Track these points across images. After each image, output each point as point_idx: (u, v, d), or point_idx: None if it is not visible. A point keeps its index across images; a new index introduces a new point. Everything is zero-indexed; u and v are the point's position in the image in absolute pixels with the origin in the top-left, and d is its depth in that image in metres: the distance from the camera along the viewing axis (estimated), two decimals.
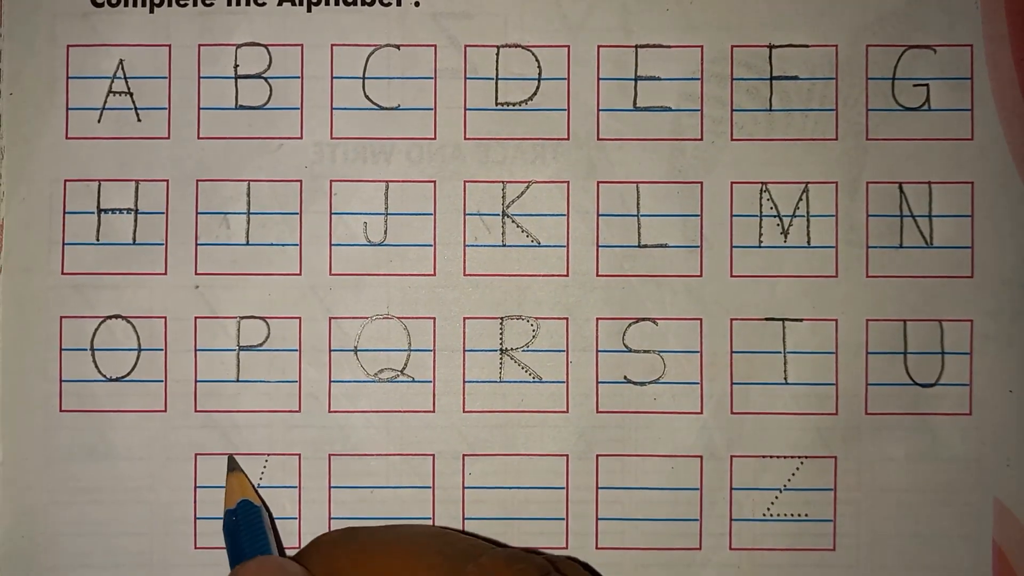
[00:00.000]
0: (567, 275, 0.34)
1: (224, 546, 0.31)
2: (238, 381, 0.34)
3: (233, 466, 0.34)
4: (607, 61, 0.35)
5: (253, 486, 0.33)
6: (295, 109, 0.34)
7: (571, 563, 0.29)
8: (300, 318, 0.34)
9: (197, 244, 0.34)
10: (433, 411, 0.34)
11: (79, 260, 0.34)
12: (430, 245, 0.34)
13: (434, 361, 0.34)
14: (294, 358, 0.34)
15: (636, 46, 0.35)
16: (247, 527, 0.31)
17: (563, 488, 0.34)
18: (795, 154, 0.34)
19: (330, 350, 0.34)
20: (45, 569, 0.34)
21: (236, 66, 0.35)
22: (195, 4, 0.35)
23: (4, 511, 0.34)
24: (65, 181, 0.34)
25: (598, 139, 0.35)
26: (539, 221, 0.34)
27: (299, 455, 0.34)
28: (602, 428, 0.34)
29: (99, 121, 0.34)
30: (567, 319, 0.34)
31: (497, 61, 0.35)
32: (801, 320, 0.34)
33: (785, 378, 0.34)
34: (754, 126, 0.35)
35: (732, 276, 0.34)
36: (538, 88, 0.35)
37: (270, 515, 0.33)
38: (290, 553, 0.31)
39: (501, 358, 0.34)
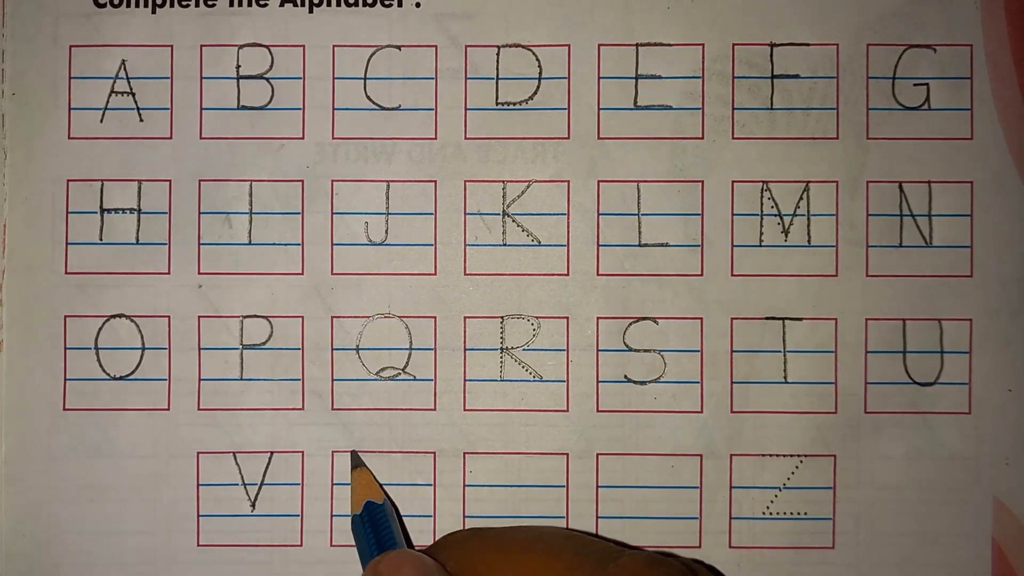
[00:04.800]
0: (567, 274, 0.34)
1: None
2: (241, 379, 0.34)
3: (357, 462, 0.34)
4: (608, 60, 0.35)
5: (376, 480, 0.33)
6: (297, 109, 0.35)
7: (702, 567, 0.29)
8: (302, 317, 0.34)
9: (200, 244, 0.34)
10: (434, 409, 0.34)
11: (82, 260, 0.34)
12: (431, 244, 0.34)
13: (435, 360, 0.34)
14: (297, 357, 0.34)
15: (637, 44, 0.35)
16: (374, 528, 0.31)
17: (563, 486, 0.34)
18: (796, 153, 0.34)
19: (332, 349, 0.34)
20: (48, 567, 0.34)
21: (238, 67, 0.35)
22: (197, 5, 0.35)
23: (8, 509, 0.34)
24: (68, 181, 0.34)
25: (599, 138, 0.35)
26: (540, 220, 0.35)
27: (302, 452, 0.34)
28: (602, 427, 0.34)
29: (101, 121, 0.35)
30: (567, 318, 0.34)
31: (498, 61, 0.35)
32: (801, 319, 0.34)
33: (785, 377, 0.34)
34: (755, 125, 0.35)
35: (733, 275, 0.34)
36: (538, 87, 0.35)
37: (396, 509, 0.34)
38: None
39: (502, 357, 0.34)
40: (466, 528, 0.31)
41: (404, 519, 0.34)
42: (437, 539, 0.31)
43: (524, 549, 0.28)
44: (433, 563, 0.28)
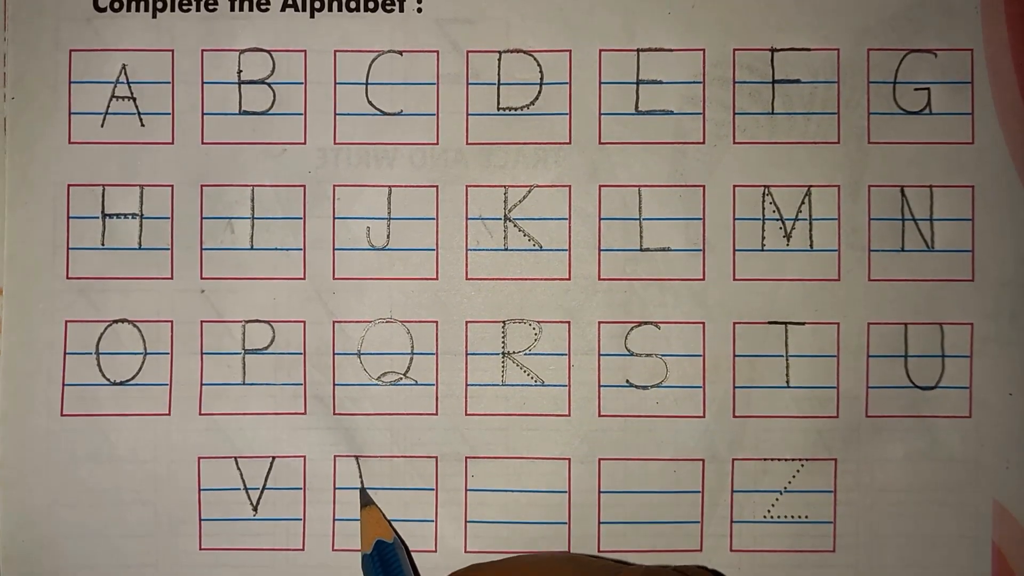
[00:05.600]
0: (569, 279, 0.35)
1: None
2: (243, 384, 0.34)
3: (366, 501, 0.34)
4: (609, 65, 0.35)
5: (385, 518, 0.34)
6: (298, 114, 0.35)
7: (704, 571, 0.30)
8: (304, 322, 0.34)
9: (202, 248, 0.34)
10: (436, 414, 0.34)
11: (84, 265, 0.34)
12: (432, 249, 0.34)
13: (437, 364, 0.35)
14: (298, 361, 0.34)
15: (638, 50, 0.35)
16: (383, 567, 0.32)
17: (565, 491, 0.34)
18: (797, 157, 0.35)
19: (334, 353, 0.34)
20: (48, 571, 0.34)
21: (240, 71, 0.35)
22: (198, 9, 0.35)
23: (7, 513, 0.34)
24: (68, 186, 0.34)
25: (600, 143, 0.35)
26: (541, 225, 0.35)
27: (304, 457, 0.34)
28: (604, 432, 0.34)
29: (102, 126, 0.35)
30: (569, 323, 0.34)
31: (499, 66, 0.35)
32: (803, 323, 0.34)
33: (787, 381, 0.34)
34: (756, 129, 0.35)
35: (735, 279, 0.34)
36: (540, 93, 0.35)
37: (406, 547, 0.34)
38: None
39: (503, 361, 0.34)
40: (468, 565, 0.31)
41: (406, 523, 0.34)
42: None
43: (524, 573, 0.28)
44: None
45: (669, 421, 0.34)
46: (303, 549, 0.34)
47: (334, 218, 0.34)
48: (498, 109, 0.35)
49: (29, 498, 0.34)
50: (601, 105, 0.35)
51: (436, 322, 0.34)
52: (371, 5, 0.35)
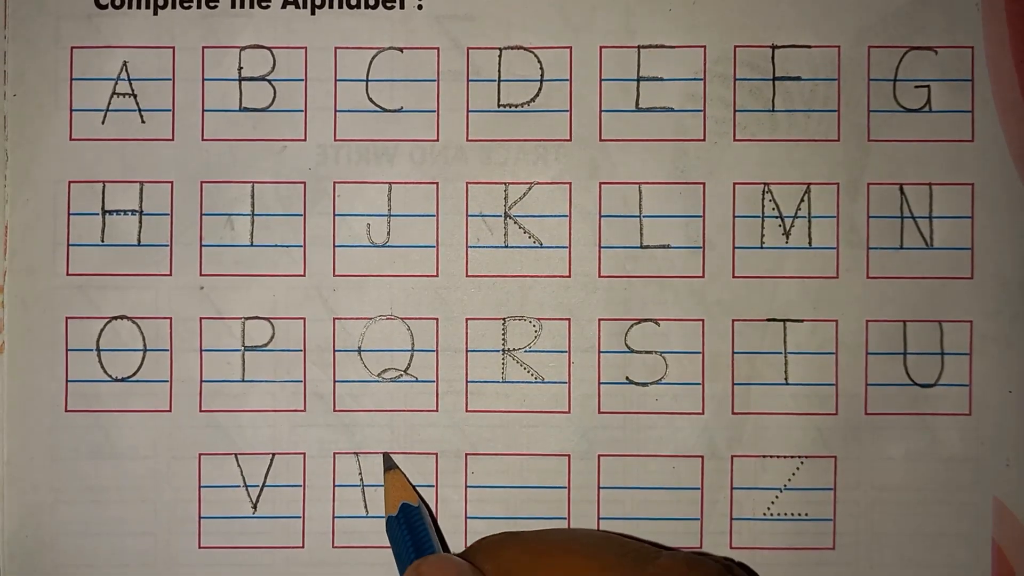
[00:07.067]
0: (569, 276, 0.35)
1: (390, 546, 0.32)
2: (243, 381, 0.34)
3: (390, 464, 0.34)
4: (609, 62, 0.35)
5: (410, 483, 0.34)
6: (299, 111, 0.35)
7: (736, 565, 0.30)
8: (304, 319, 0.34)
9: (202, 245, 0.34)
10: (436, 411, 0.34)
11: (84, 261, 0.34)
12: (433, 246, 0.34)
13: (437, 361, 0.35)
14: (298, 358, 0.34)
15: (638, 47, 0.35)
16: (410, 530, 0.31)
17: (565, 488, 0.34)
18: (797, 155, 0.35)
19: (334, 350, 0.34)
20: (50, 568, 0.34)
21: (240, 68, 0.35)
22: (199, 6, 0.35)
23: (10, 510, 0.34)
24: (69, 182, 0.34)
25: (600, 140, 0.35)
26: (541, 222, 0.35)
27: (304, 454, 0.34)
28: (604, 428, 0.34)
29: (103, 123, 0.35)
30: (569, 320, 0.34)
31: (499, 63, 0.35)
32: (802, 321, 0.34)
33: (786, 378, 0.34)
34: (757, 126, 0.35)
35: (734, 277, 0.34)
36: (540, 89, 0.35)
37: (430, 511, 0.34)
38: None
39: (503, 358, 0.34)
40: (501, 532, 0.31)
41: None
42: (472, 543, 0.31)
43: (562, 551, 0.28)
44: (471, 568, 0.28)
45: (668, 418, 0.34)
46: (303, 547, 0.34)
47: (334, 215, 0.34)
48: (498, 106, 0.35)
49: (33, 495, 0.34)
50: (601, 102, 0.35)
51: (436, 319, 0.34)
52: (371, 2, 0.35)
